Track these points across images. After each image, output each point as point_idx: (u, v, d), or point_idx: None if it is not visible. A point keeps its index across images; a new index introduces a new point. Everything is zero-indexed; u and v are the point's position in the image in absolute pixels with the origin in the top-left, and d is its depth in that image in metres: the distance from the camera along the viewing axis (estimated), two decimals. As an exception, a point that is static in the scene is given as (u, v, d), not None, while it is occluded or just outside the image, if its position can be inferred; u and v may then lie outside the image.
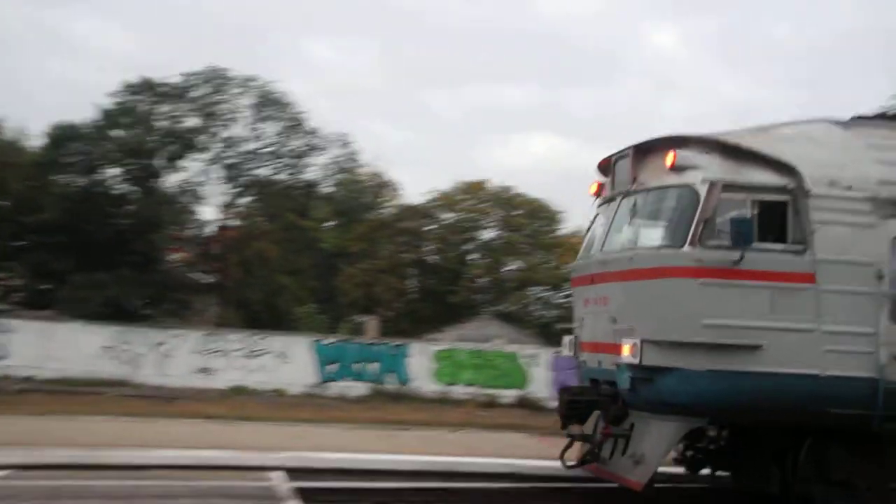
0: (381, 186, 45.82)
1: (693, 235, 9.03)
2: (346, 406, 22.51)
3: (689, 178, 9.33)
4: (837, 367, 9.05)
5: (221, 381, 25.07)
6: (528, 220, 42.46)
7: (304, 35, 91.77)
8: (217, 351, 26.20)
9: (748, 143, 9.54)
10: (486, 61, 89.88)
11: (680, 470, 11.37)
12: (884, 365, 9.15)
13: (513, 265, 42.79)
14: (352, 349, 27.32)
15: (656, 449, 9.44)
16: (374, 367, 26.71)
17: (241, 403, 20.85)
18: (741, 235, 8.85)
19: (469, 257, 43.16)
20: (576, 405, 10.29)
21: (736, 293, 9.05)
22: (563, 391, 10.91)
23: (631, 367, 9.32)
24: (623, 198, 10.36)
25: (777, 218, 9.27)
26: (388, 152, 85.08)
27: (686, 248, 9.07)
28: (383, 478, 11.35)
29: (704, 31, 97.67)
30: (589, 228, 11.68)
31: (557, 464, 10.66)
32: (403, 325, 37.55)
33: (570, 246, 41.55)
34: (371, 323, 33.15)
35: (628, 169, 10.26)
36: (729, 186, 9.22)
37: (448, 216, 42.95)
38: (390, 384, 26.29)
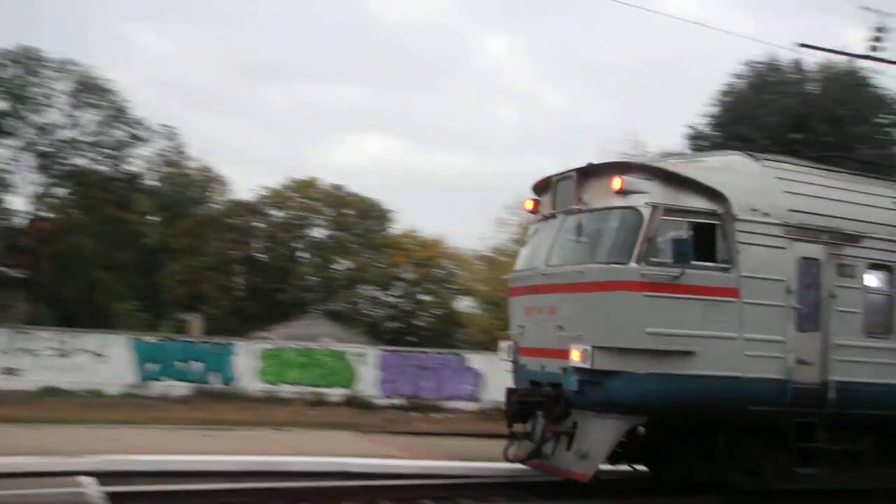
0: (210, 181, 44.58)
1: (638, 253, 10.19)
2: (167, 406, 21.82)
3: (634, 201, 10.47)
4: (755, 370, 10.46)
5: (30, 381, 23.56)
6: (359, 219, 42.72)
7: (129, 21, 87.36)
8: (25, 350, 24.62)
9: (685, 171, 10.92)
10: (320, 60, 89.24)
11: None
12: (791, 368, 10.70)
13: (343, 264, 42.90)
14: (174, 348, 26.44)
15: (601, 445, 10.46)
16: (197, 366, 25.94)
17: (52, 405, 19.75)
18: (681, 254, 10.13)
19: (299, 255, 42.88)
20: (524, 405, 11.26)
21: (674, 305, 10.28)
22: (512, 392, 11.77)
23: (580, 370, 10.28)
24: (567, 216, 11.36)
25: (707, 239, 10.52)
26: (218, 147, 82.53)
27: (632, 264, 10.18)
28: (202, 479, 11.11)
29: (534, 42, 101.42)
30: (527, 242, 12.61)
31: (383, 461, 11.00)
32: (230, 323, 36.76)
33: (399, 245, 42.29)
34: (195, 321, 32.26)
35: (572, 189, 11.26)
36: (669, 210, 10.44)
37: (278, 214, 42.48)
38: (215, 384, 25.65)
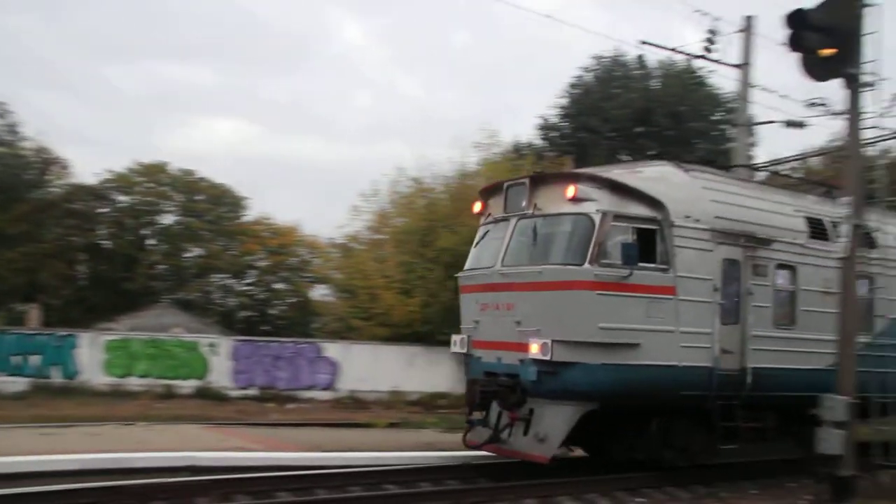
0: (48, 163, 41.97)
1: (591, 256, 11.25)
2: (1, 404, 20.60)
3: (586, 207, 11.55)
4: (688, 359, 11.79)
5: None
6: (211, 205, 41.47)
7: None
8: None
9: (629, 181, 12.04)
10: (166, 39, 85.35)
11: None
12: (717, 357, 12.14)
13: (194, 252, 41.56)
14: (9, 341, 24.96)
15: (558, 429, 11.41)
16: (35, 359, 24.62)
17: None
18: (630, 257, 11.20)
19: (147, 243, 41.20)
20: (485, 395, 12.02)
21: (622, 302, 11.39)
22: (474, 383, 12.43)
23: (539, 362, 11.20)
24: (519, 219, 12.25)
25: (648, 243, 11.68)
26: (57, 128, 77.62)
27: (586, 265, 11.22)
28: (38, 480, 10.57)
29: (389, 29, 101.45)
30: (477, 242, 13.46)
31: (235, 454, 10.83)
32: (72, 313, 34.90)
33: (253, 233, 41.37)
34: (33, 312, 30.50)
35: (525, 195, 12.18)
36: (616, 216, 11.58)
37: (124, 199, 40.60)
38: (55, 378, 24.40)
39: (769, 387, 12.67)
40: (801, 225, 13.69)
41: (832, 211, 14.01)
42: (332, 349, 26.79)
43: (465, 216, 27.88)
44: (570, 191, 11.58)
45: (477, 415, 12.43)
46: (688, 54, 22.65)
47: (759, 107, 30.77)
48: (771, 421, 13.34)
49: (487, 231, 13.16)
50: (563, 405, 11.52)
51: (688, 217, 12.02)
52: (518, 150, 33.44)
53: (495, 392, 11.96)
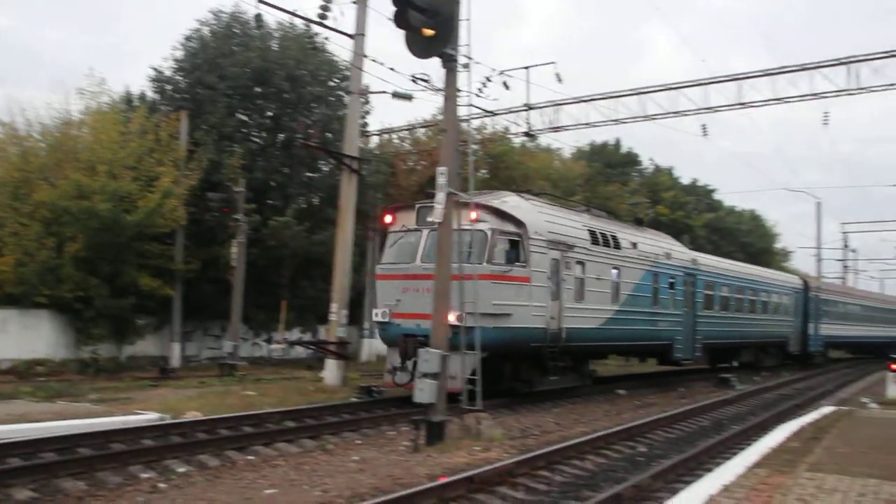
0: None
1: (487, 257, 16.98)
2: None
3: (482, 226, 17.09)
4: (535, 323, 17.80)
5: None
6: None
7: None
8: None
9: (505, 209, 17.77)
10: None
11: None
12: (549, 321, 18.27)
13: None
14: None
15: (464, 370, 15.36)
16: None
17: None
18: (509, 258, 17.36)
19: None
20: (415, 347, 15.89)
21: (504, 287, 17.13)
22: (407, 339, 16.77)
23: (453, 326, 14.48)
24: (430, 231, 16.50)
25: (515, 248, 17.59)
26: None
27: (484, 263, 16.72)
28: None
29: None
30: (392, 245, 18.30)
31: None
32: None
33: None
34: None
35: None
36: (500, 232, 17.40)
37: None
38: None
39: (573, 339, 19.19)
40: (587, 235, 20.38)
41: (603, 225, 21.99)
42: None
43: (68, 168, 25.61)
44: (473, 215, 16.45)
45: (410, 364, 16.46)
46: (305, 19, 22.96)
47: (373, 77, 32.17)
48: (570, 362, 19.94)
49: (400, 237, 17.74)
50: (467, 355, 15.26)
51: (536, 232, 18.00)
52: (129, 102, 31.35)
53: (421, 345, 14.97)
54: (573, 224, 20.25)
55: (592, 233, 20.68)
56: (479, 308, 15.47)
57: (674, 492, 8.86)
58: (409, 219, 17.98)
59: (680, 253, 26.21)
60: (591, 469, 11.41)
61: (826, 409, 16.71)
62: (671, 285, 24.54)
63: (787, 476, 8.79)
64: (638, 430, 14.69)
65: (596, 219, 22.49)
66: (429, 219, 16.15)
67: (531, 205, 19.20)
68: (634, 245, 22.80)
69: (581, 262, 19.78)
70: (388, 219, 18.60)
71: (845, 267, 65.12)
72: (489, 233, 17.05)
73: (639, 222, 28.11)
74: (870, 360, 45.89)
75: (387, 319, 17.74)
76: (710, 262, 29.45)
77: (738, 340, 31.49)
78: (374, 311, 18.25)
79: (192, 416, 14.92)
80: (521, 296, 17.41)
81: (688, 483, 9.16)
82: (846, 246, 65.06)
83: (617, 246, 21.62)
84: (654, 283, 23.46)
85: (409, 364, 16.60)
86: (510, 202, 18.46)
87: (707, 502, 7.47)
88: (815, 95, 26.05)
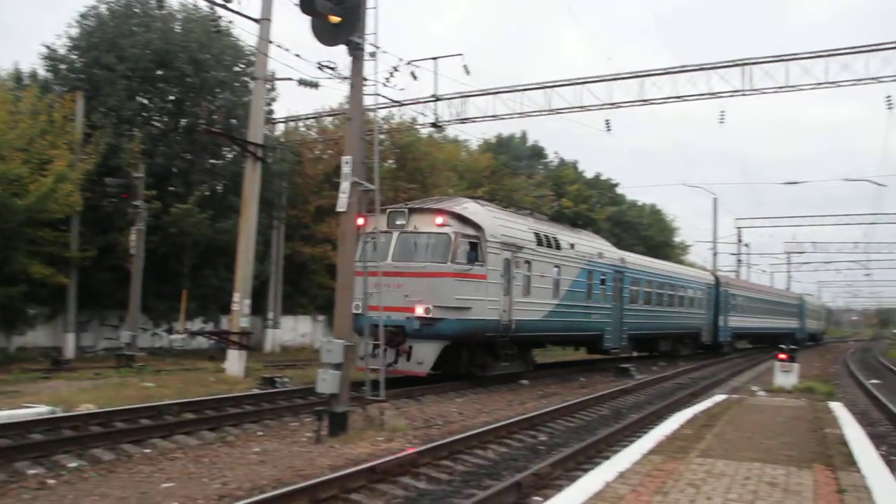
0: None
1: (451, 257, 18.88)
2: None
3: (447, 230, 19.09)
4: (490, 315, 19.73)
5: None
6: None
7: None
8: None
9: (467, 215, 19.65)
10: None
11: None
12: (501, 313, 20.21)
13: None
14: None
15: (430, 357, 18.60)
16: None
17: None
18: (469, 258, 19.19)
19: None
20: (390, 336, 17.80)
21: (465, 284, 19.01)
22: (388, 330, 17.34)
23: (420, 318, 18.30)
24: (400, 233, 19.42)
25: (475, 249, 19.42)
26: None
27: (449, 263, 18.84)
28: None
29: None
30: (362, 246, 17.62)
31: None
32: None
33: None
34: None
35: (404, 218, 19.55)
36: (462, 235, 19.22)
37: None
38: None
39: (521, 330, 21.31)
40: (533, 237, 22.30)
41: (546, 228, 24.12)
42: None
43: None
44: (439, 220, 19.14)
45: (370, 349, 16.73)
46: (209, 1, 22.40)
47: (279, 63, 31.70)
48: (517, 350, 22.24)
49: (372, 238, 17.97)
50: (432, 342, 18.63)
51: (492, 235, 19.91)
52: (19, 80, 29.93)
53: (391, 335, 17.87)
54: (521, 227, 22.18)
55: (538, 235, 22.70)
56: (444, 302, 18.58)
57: (572, 479, 9.07)
58: (380, 222, 18.68)
59: (610, 253, 28.59)
60: (493, 458, 11.57)
61: (718, 397, 17.38)
62: (602, 282, 26.83)
63: (679, 462, 9.11)
64: (539, 419, 14.97)
65: (539, 222, 24.66)
66: (397, 222, 19.48)
67: (487, 210, 21.15)
68: (572, 246, 24.90)
69: (528, 262, 21.78)
70: (360, 221, 18.81)
71: (739, 261, 67.80)
72: (453, 236, 19.05)
73: (575, 224, 30.63)
74: (767, 350, 48.18)
75: (360, 311, 18.22)
76: (636, 260, 32.07)
77: (659, 331, 34.19)
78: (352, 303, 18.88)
79: (86, 408, 14.40)
80: (479, 291, 19.42)
81: (586, 471, 9.39)
82: (740, 241, 67.76)
83: (558, 247, 23.73)
84: (589, 279, 25.75)
85: (386, 353, 17.96)
86: (469, 208, 20.39)
87: (603, 489, 7.66)
88: (713, 95, 26.97)
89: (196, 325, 33.19)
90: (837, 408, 15.59)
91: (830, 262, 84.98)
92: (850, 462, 9.46)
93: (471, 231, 19.39)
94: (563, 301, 23.80)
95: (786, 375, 21.01)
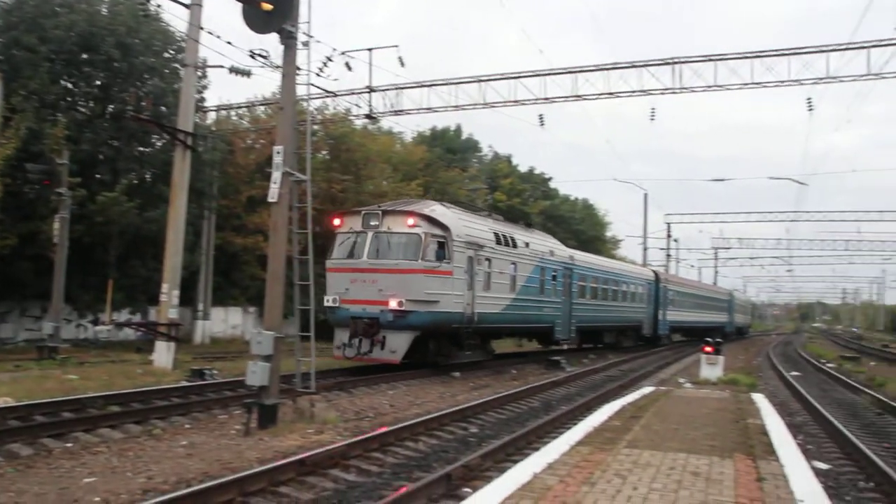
0: None
1: (422, 255, 20.40)
2: None
3: (417, 231, 20.57)
4: (455, 308, 21.37)
5: None
6: None
7: None
8: None
9: (435, 216, 21.15)
10: None
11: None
12: (465, 306, 21.92)
13: None
14: None
15: (403, 346, 20.13)
16: None
17: None
18: (438, 256, 20.69)
19: None
20: (364, 327, 20.19)
21: (434, 279, 20.51)
22: (356, 321, 20.28)
23: (394, 311, 19.90)
24: (374, 233, 20.94)
25: (442, 248, 20.90)
26: None
27: (420, 261, 20.34)
28: None
29: None
30: (340, 244, 21.58)
31: None
32: None
33: None
34: None
35: (378, 219, 21.05)
36: (431, 235, 20.68)
37: None
38: None
39: (482, 322, 23.11)
40: (492, 237, 24.15)
41: (504, 228, 26.04)
42: None
43: None
44: (410, 221, 20.72)
45: (346, 340, 20.48)
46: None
47: (210, 50, 30.99)
48: (479, 340, 24.80)
49: (348, 237, 21.36)
50: (404, 333, 20.28)
51: (458, 235, 21.55)
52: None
53: (367, 326, 20.21)
54: (482, 227, 24.07)
55: (497, 234, 24.63)
56: (415, 296, 20.16)
57: (502, 471, 9.14)
58: (355, 222, 21.54)
59: (560, 251, 30.71)
60: (424, 450, 11.59)
61: (646, 389, 17.75)
62: (553, 278, 28.83)
63: (607, 453, 9.27)
64: (471, 410, 15.06)
65: (497, 222, 26.72)
66: (371, 223, 21.12)
67: (452, 212, 22.86)
68: (527, 244, 26.86)
69: (489, 259, 23.56)
70: (336, 221, 22.18)
71: (668, 256, 69.25)
72: (423, 235, 20.64)
73: (528, 224, 32.46)
74: (696, 343, 49.84)
75: (337, 304, 20.93)
76: (584, 258, 34.24)
77: (604, 324, 36.53)
78: (326, 297, 21.00)
79: (3, 401, 13.92)
80: (446, 286, 21.07)
81: (516, 462, 9.48)
82: (669, 236, 69.19)
83: (514, 245, 25.66)
84: (542, 276, 27.70)
85: (356, 341, 20.43)
86: (437, 210, 22.06)
87: (532, 480, 7.75)
88: (644, 92, 27.42)
89: (123, 316, 32.42)
90: (759, 399, 16.09)
91: (755, 258, 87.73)
92: (770, 451, 9.77)
93: (438, 231, 21.00)
94: (518, 295, 25.73)
95: (711, 368, 21.56)
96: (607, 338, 38.36)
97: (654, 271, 47.46)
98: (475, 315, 22.41)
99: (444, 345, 22.70)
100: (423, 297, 20.13)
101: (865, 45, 24.97)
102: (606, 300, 35.61)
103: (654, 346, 42.49)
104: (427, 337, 21.32)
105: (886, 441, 14.21)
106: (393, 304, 19.90)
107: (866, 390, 22.19)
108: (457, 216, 22.72)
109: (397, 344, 20.10)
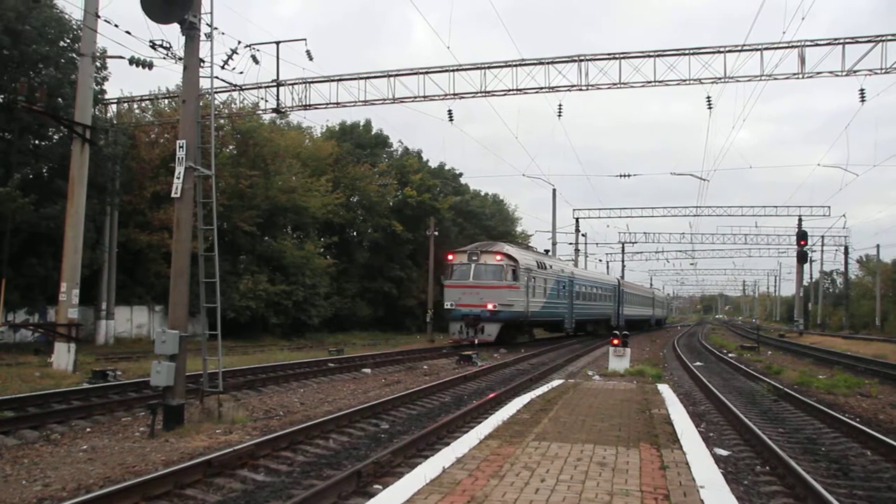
0: None
1: (504, 277, 35.68)
2: None
3: (502, 262, 35.86)
4: (521, 308, 36.96)
5: None
6: None
7: None
8: None
9: (511, 253, 36.89)
10: None
11: None
12: (526, 306, 37.48)
13: None
14: None
15: (494, 332, 35.17)
16: None
17: None
18: (513, 277, 36.20)
19: None
20: (474, 321, 34.85)
21: (511, 291, 35.97)
22: (466, 317, 35.07)
23: (490, 310, 34.78)
24: (475, 264, 35.75)
25: (516, 273, 36.35)
26: None
27: (503, 281, 35.63)
28: None
29: None
30: (452, 272, 36.41)
31: None
32: None
33: None
34: None
35: (477, 255, 36.00)
36: (508, 265, 36.06)
37: None
38: None
39: (532, 317, 38.54)
40: (535, 264, 39.19)
41: (540, 257, 42.36)
42: None
43: None
44: (498, 257, 35.53)
45: (473, 332, 34.65)
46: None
47: (110, 40, 30.01)
48: (529, 329, 42.24)
49: (458, 265, 35.98)
50: (496, 324, 34.90)
51: (521, 264, 36.49)
52: None
53: (473, 320, 34.56)
54: (531, 258, 39.41)
55: (537, 262, 40.06)
56: (501, 302, 34.55)
57: (412, 466, 9.15)
58: (463, 257, 36.16)
59: (567, 269, 48.10)
60: (335, 448, 11.50)
61: (556, 382, 18.05)
62: (563, 287, 44.19)
63: (516, 446, 9.38)
64: (382, 407, 15.02)
65: (537, 254, 43.46)
66: (473, 258, 35.50)
67: (517, 250, 38.71)
68: (550, 266, 42.64)
69: (534, 277, 38.33)
70: (450, 257, 36.97)
71: (577, 250, 70.60)
72: (505, 265, 35.41)
73: (547, 251, 51.25)
74: (637, 333, 65.42)
75: (454, 307, 35.31)
76: (579, 272, 52.27)
77: (590, 318, 52.65)
78: (445, 302, 35.93)
79: None
80: (517, 295, 35.93)
81: (426, 457, 9.50)
82: (578, 231, 70.53)
83: (545, 268, 41.04)
84: (557, 286, 43.03)
85: (469, 331, 34.69)
86: (511, 250, 37.33)
87: (441, 475, 7.78)
88: (551, 89, 27.87)
89: (20, 317, 31.06)
90: (665, 389, 16.56)
91: (661, 252, 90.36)
92: (674, 440, 10.06)
93: (512, 262, 35.87)
94: (548, 300, 41.01)
95: (619, 360, 22.10)
96: (590, 328, 54.00)
97: (617, 279, 65.79)
98: (529, 313, 37.32)
99: (513, 332, 38.22)
100: (505, 302, 34.95)
101: (758, 47, 26.02)
102: (590, 301, 51.42)
103: (596, 336, 53.33)
104: (507, 326, 36.15)
105: (781, 427, 14.85)
106: (490, 306, 34.36)
107: (764, 378, 23.12)
108: (520, 252, 38.35)
109: (492, 330, 34.70)
